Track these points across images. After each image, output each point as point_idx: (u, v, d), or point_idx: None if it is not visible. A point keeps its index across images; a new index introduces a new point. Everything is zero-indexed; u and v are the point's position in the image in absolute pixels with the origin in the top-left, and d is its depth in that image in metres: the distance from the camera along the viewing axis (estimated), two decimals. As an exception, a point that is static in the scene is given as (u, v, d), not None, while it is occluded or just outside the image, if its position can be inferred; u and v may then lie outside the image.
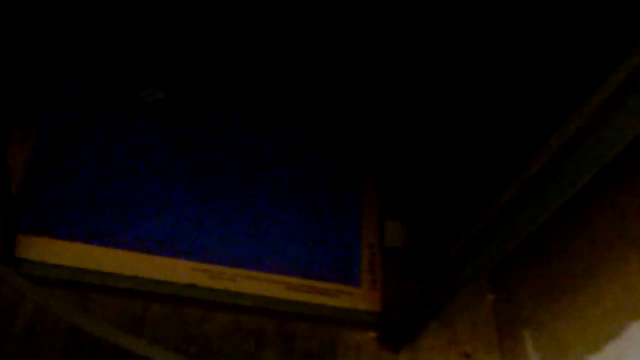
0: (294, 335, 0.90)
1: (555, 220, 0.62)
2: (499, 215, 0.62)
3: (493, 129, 0.73)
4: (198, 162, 0.96)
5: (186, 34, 1.06)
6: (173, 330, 0.87)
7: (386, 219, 0.97)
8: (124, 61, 1.02)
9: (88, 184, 0.91)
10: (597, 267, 0.76)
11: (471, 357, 0.93)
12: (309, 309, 0.89)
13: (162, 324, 0.87)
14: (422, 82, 0.99)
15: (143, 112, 0.99)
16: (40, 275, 0.83)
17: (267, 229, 0.93)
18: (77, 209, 0.89)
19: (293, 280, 0.90)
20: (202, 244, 0.90)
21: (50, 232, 0.86)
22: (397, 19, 1.04)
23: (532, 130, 0.61)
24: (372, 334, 0.92)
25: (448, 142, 0.88)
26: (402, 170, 1.01)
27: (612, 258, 0.74)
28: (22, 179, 0.89)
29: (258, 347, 0.88)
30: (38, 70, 0.98)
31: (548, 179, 0.56)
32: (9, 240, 0.82)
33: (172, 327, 0.87)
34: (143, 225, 0.90)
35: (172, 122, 0.99)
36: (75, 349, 0.83)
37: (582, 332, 0.77)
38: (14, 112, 0.93)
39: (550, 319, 0.84)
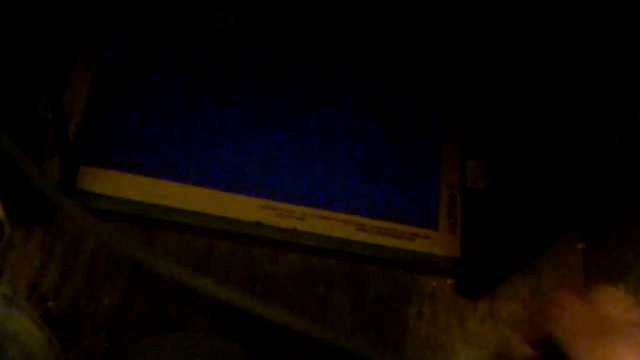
0: (365, 279, 0.86)
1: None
2: (603, 158, 0.55)
3: (593, 58, 0.64)
4: (267, 94, 0.91)
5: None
6: (240, 269, 0.84)
7: (468, 158, 0.90)
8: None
9: (154, 115, 0.87)
10: None
11: (555, 308, 0.87)
12: (382, 252, 0.84)
13: (229, 263, 0.84)
14: (514, 9, 0.89)
15: (211, 38, 0.93)
16: (103, 208, 0.81)
17: (339, 166, 0.88)
18: (141, 141, 0.85)
19: (366, 221, 0.85)
20: (271, 181, 0.86)
21: (113, 164, 0.83)
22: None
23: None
24: (449, 281, 0.87)
25: (536, 76, 0.79)
26: (486, 106, 0.93)
27: None
28: (85, 110, 0.86)
29: (328, 290, 0.85)
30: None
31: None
32: (70, 172, 0.80)
33: (239, 266, 0.84)
34: (210, 159, 0.86)
35: (241, 50, 0.93)
36: (138, 287, 0.81)
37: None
38: (77, 41, 0.89)
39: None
